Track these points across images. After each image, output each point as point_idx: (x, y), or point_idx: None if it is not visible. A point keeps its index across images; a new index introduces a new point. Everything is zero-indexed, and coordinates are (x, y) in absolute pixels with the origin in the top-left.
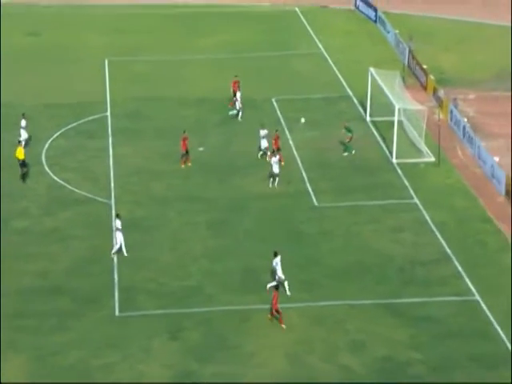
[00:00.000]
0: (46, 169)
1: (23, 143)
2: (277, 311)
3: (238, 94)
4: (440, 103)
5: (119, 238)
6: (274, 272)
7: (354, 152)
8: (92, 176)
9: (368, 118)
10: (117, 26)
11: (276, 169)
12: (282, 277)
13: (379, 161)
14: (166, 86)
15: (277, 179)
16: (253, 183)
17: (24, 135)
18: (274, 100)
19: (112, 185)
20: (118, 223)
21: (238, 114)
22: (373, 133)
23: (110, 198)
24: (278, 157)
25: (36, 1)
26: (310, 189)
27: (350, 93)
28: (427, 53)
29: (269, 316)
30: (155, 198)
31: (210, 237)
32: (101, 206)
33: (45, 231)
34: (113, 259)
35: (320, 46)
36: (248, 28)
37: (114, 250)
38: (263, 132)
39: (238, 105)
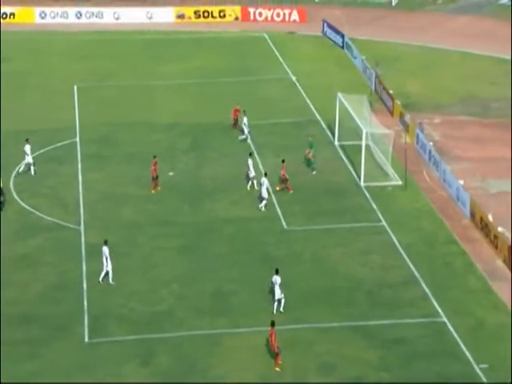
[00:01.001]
0: (15, 195)
1: (27, 167)
2: (277, 347)
3: (245, 119)
4: (406, 127)
5: (107, 265)
6: (272, 289)
7: (314, 173)
8: (61, 202)
9: (336, 142)
10: (85, 52)
11: (265, 193)
12: (279, 296)
13: (347, 184)
14: (136, 112)
15: (264, 202)
16: (223, 207)
17: (28, 160)
18: (243, 125)
19: (81, 211)
20: (105, 250)
21: (247, 139)
22: (341, 157)
23: (79, 224)
24: (266, 181)
25: (5, 27)
26: (279, 212)
27: (319, 117)
28: (393, 78)
29: (276, 363)
30: (125, 223)
31: (180, 261)
32: (70, 232)
33: (14, 258)
34: (107, 283)
35: (289, 71)
36: (217, 54)
37: (101, 277)
38: (251, 161)
39: (246, 129)
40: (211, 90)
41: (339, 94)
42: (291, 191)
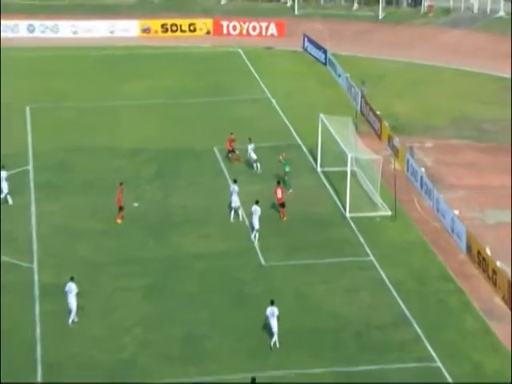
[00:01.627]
0: None
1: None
2: None
3: (251, 147)
4: (395, 152)
5: (73, 304)
6: (268, 323)
7: (290, 191)
8: (12, 237)
9: (319, 169)
10: (39, 70)
11: (257, 223)
12: (275, 329)
13: (332, 215)
14: (95, 135)
15: (255, 233)
16: (193, 241)
17: (5, 189)
18: (216, 149)
19: (35, 247)
20: (72, 287)
21: (257, 170)
22: (324, 184)
23: (32, 262)
24: (258, 209)
25: None
26: (256, 246)
27: (299, 141)
28: (381, 97)
29: None
30: (83, 260)
31: (145, 303)
32: (22, 271)
33: None
34: (73, 325)
35: (266, 90)
36: (187, 71)
37: (71, 318)
38: (235, 187)
39: (254, 159)
40: (180, 111)
41: (322, 116)
42: (285, 218)
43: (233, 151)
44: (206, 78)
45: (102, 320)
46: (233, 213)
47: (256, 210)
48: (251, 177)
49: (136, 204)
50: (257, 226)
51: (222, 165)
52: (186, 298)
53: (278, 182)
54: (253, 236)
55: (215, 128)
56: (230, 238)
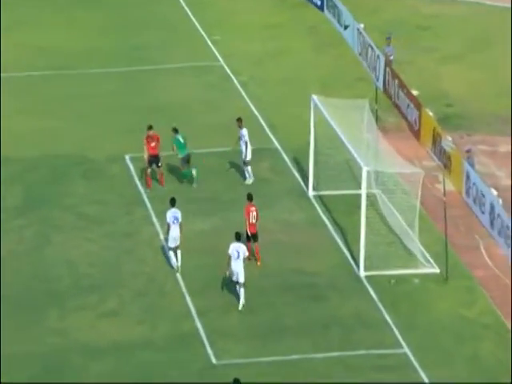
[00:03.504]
0: None
1: None
2: None
3: (243, 136)
4: (446, 161)
5: None
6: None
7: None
8: None
9: (311, 192)
10: None
11: (242, 277)
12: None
13: (334, 274)
14: None
15: (241, 294)
16: (89, 323)
17: None
18: (128, 158)
19: None
20: None
21: (249, 179)
22: (321, 219)
23: None
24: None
25: None
26: (201, 331)
27: (276, 142)
28: (420, 65)
29: None
30: None
31: None
32: None
33: None
34: None
35: (218, 54)
36: (83, 21)
37: None
38: (176, 214)
39: (246, 160)
40: (68, 89)
41: (314, 98)
42: (259, 263)
43: (156, 160)
44: (117, 34)
45: None
46: (174, 259)
47: (239, 250)
48: (193, 205)
49: None
50: (242, 279)
51: (139, 185)
52: None
53: (250, 198)
54: (241, 304)
55: (129, 120)
56: (156, 314)
